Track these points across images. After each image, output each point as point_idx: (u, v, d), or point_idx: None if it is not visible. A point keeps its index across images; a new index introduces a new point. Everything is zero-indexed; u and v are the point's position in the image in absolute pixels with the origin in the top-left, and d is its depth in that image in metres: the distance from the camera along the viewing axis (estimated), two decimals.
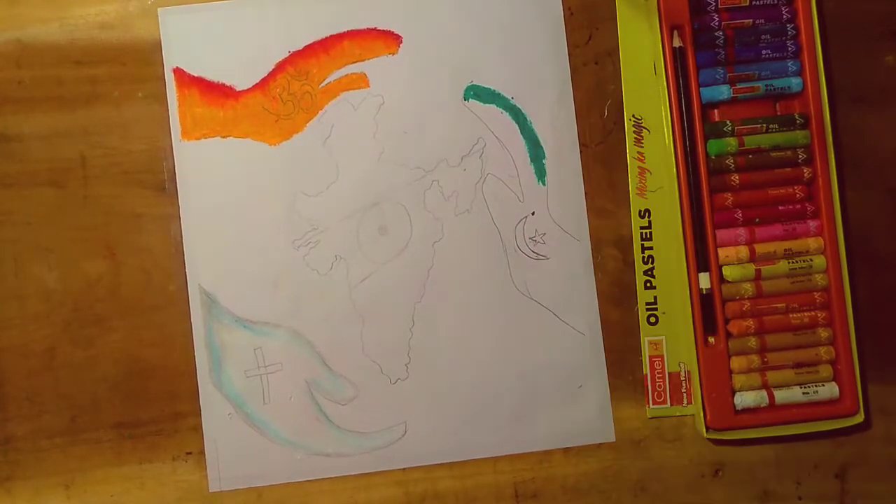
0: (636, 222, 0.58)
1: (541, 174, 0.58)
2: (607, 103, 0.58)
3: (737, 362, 0.56)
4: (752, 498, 0.58)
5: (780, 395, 0.56)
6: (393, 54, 0.58)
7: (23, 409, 0.57)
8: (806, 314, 0.56)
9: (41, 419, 0.57)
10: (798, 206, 0.57)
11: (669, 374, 0.58)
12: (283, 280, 0.57)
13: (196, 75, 0.57)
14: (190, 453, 0.57)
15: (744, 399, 0.56)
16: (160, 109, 0.57)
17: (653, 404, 0.57)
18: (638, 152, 0.58)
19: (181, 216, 0.57)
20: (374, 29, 0.58)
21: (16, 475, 0.56)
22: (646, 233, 0.58)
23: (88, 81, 0.57)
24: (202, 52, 0.57)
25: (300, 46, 0.57)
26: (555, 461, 0.58)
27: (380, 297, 0.57)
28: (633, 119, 0.58)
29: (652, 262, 0.58)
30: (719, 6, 0.57)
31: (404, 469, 0.57)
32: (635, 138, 0.58)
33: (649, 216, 0.58)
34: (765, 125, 0.56)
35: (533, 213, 0.58)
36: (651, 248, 0.58)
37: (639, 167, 0.58)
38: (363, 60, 0.58)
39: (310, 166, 0.57)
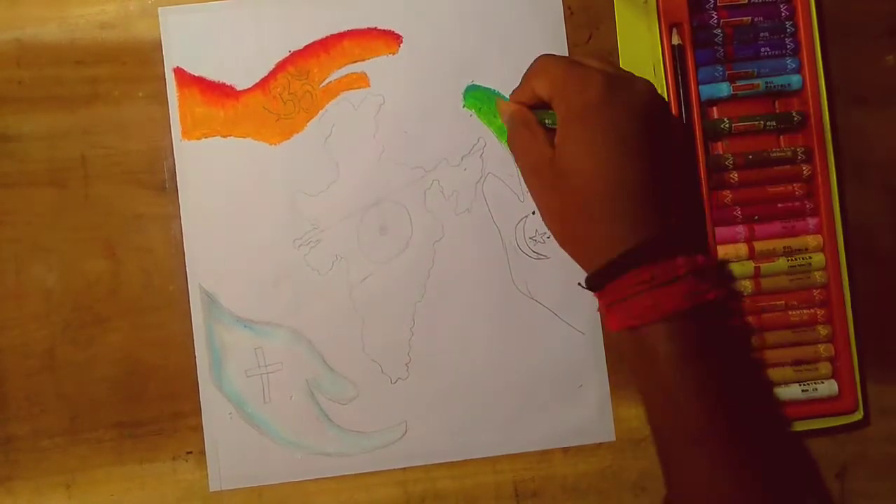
0: None
1: None
2: None
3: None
4: None
5: (780, 393, 0.56)
6: (393, 54, 0.58)
7: (23, 409, 0.56)
8: (805, 311, 0.57)
9: (41, 419, 0.56)
10: (797, 204, 0.57)
11: None
12: (284, 280, 0.57)
13: (196, 75, 0.57)
14: (190, 453, 0.57)
15: None
16: (160, 109, 0.57)
17: None
18: None
19: (181, 216, 0.57)
20: (375, 28, 0.58)
21: (16, 475, 0.56)
22: None
23: (88, 81, 0.57)
24: (202, 51, 0.57)
25: (300, 46, 0.57)
26: (555, 461, 0.58)
27: (380, 297, 0.58)
28: None
29: None
30: (718, 4, 0.57)
31: (404, 469, 0.57)
32: None
33: None
34: (762, 122, 0.57)
35: (533, 213, 0.58)
36: None
37: None
38: (363, 60, 0.58)
39: (310, 166, 0.57)
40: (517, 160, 0.55)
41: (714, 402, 0.48)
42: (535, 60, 0.54)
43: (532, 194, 0.55)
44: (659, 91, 0.57)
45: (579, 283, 0.53)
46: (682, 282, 0.48)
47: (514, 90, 0.55)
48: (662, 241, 0.49)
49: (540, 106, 0.54)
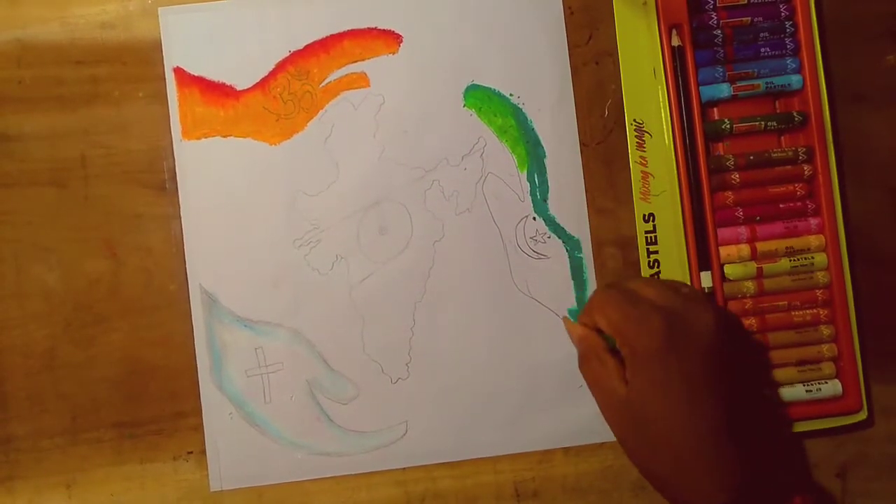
0: (640, 227, 0.58)
1: (541, 173, 0.58)
2: (608, 103, 0.58)
3: None
4: None
5: (784, 393, 0.56)
6: (393, 54, 0.58)
7: (23, 408, 0.57)
8: (808, 311, 0.57)
9: (42, 419, 0.57)
10: (799, 204, 0.57)
11: None
12: (284, 280, 0.57)
13: (196, 75, 0.57)
14: (191, 453, 0.57)
15: None
16: (161, 109, 0.57)
17: None
18: (640, 157, 0.58)
19: (182, 216, 0.57)
20: (375, 28, 0.58)
21: (17, 475, 0.56)
22: (650, 237, 0.58)
23: (89, 81, 0.57)
24: (203, 51, 0.57)
25: (300, 46, 0.57)
26: (555, 461, 0.58)
27: (380, 297, 0.57)
28: (634, 123, 0.58)
29: (658, 266, 0.58)
30: (717, 5, 0.57)
31: (405, 468, 0.57)
32: (637, 142, 0.58)
33: (654, 220, 0.58)
34: (763, 123, 0.57)
35: (534, 218, 0.58)
36: (656, 251, 0.58)
37: (642, 171, 0.58)
38: (363, 60, 0.58)
39: (310, 166, 0.57)
40: (589, 387, 0.53)
41: None
42: (594, 294, 0.52)
43: (609, 424, 0.52)
44: (659, 95, 0.57)
45: None
46: None
47: (581, 312, 0.54)
48: (748, 499, 0.47)
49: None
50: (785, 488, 0.48)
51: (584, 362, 0.53)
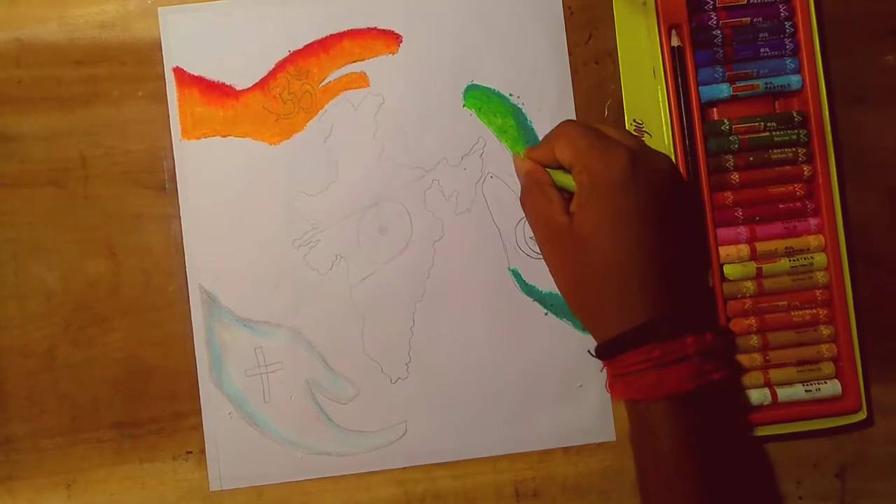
0: None
1: None
2: (607, 103, 0.58)
3: (739, 361, 0.56)
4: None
5: (783, 393, 0.56)
6: (393, 54, 0.58)
7: (23, 409, 0.57)
8: (807, 312, 0.56)
9: (41, 419, 0.57)
10: (798, 204, 0.57)
11: None
12: (284, 279, 0.57)
13: (196, 75, 0.57)
14: (190, 452, 0.57)
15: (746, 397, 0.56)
16: (160, 109, 0.57)
17: None
18: None
19: (181, 216, 0.57)
20: (374, 28, 0.58)
21: (16, 475, 0.56)
22: None
23: (88, 81, 0.57)
24: (202, 51, 0.57)
25: (300, 46, 0.57)
26: (555, 460, 0.58)
27: (380, 297, 0.57)
28: (634, 123, 0.58)
29: None
30: (717, 5, 0.57)
31: (404, 468, 0.57)
32: None
33: None
34: (763, 123, 0.56)
35: None
36: None
37: None
38: (363, 60, 0.58)
39: (310, 166, 0.57)
40: (529, 222, 0.55)
41: (709, 485, 0.49)
42: (559, 126, 0.53)
43: (545, 258, 0.54)
44: (659, 95, 0.57)
45: (588, 351, 0.53)
46: (688, 361, 0.49)
47: (531, 147, 0.55)
48: (673, 319, 0.49)
49: (555, 167, 0.53)
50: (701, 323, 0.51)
51: (527, 195, 0.54)
